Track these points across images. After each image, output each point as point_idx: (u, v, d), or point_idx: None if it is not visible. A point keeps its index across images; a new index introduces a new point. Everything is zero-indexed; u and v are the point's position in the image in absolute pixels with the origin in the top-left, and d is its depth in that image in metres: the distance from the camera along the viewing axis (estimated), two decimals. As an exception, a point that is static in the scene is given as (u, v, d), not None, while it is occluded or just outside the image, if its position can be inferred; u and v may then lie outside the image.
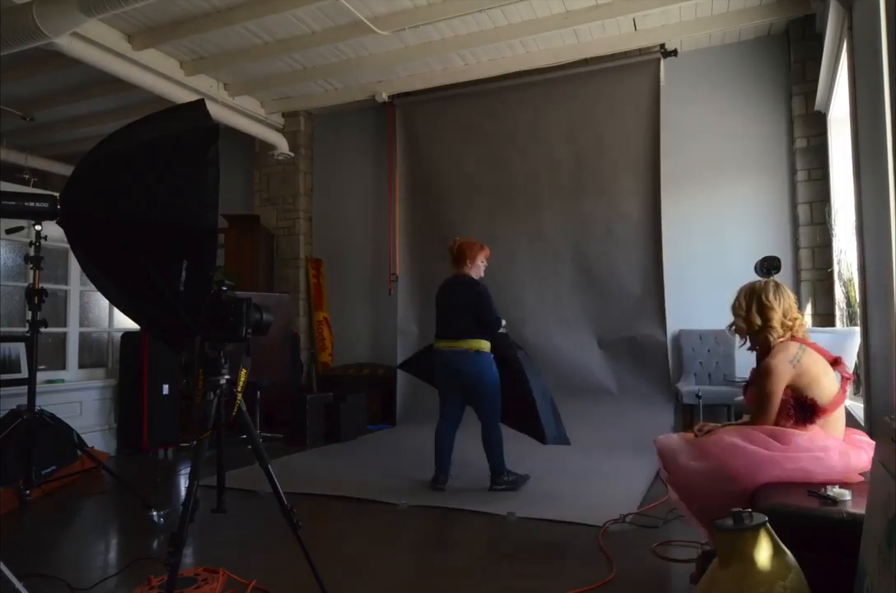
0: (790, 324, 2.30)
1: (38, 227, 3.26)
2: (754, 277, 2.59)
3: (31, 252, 3.33)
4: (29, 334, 3.37)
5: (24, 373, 4.41)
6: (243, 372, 2.09)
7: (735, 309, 2.38)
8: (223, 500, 2.21)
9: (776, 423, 2.23)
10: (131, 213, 2.53)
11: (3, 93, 5.53)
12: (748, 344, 2.40)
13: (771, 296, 2.30)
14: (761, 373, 2.22)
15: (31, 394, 3.35)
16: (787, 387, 2.22)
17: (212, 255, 2.68)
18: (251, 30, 5.10)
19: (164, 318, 2.68)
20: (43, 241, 3.32)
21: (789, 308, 2.31)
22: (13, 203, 3.08)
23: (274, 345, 5.99)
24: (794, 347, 2.23)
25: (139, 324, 3.01)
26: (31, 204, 3.08)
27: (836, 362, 2.28)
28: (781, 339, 2.27)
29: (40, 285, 3.37)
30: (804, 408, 2.19)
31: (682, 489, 2.27)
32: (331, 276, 7.04)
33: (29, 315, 3.36)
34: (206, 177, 2.47)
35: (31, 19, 3.92)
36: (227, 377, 2.07)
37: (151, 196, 2.57)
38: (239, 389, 2.08)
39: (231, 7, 4.75)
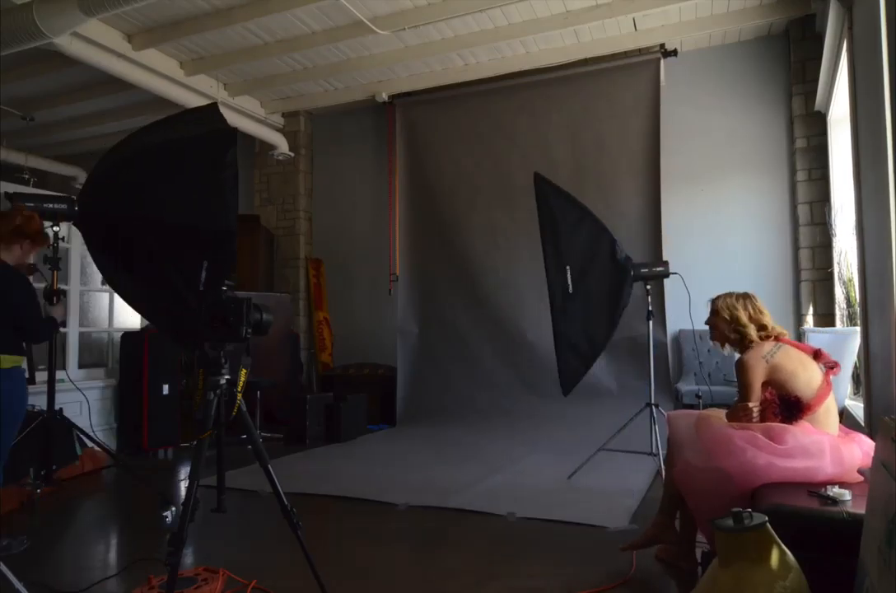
0: (763, 334, 2.45)
1: (56, 228, 3.29)
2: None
3: (50, 253, 3.34)
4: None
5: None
6: (243, 372, 2.09)
7: (712, 323, 2.62)
8: (223, 500, 2.21)
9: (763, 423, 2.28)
10: (149, 215, 2.56)
11: (3, 93, 5.53)
12: (729, 350, 2.61)
13: (741, 313, 2.50)
14: (736, 369, 2.40)
15: (51, 393, 3.44)
16: (768, 384, 2.32)
17: (232, 257, 2.70)
18: (251, 30, 5.10)
19: (183, 320, 2.70)
20: (60, 242, 3.35)
21: (758, 318, 2.49)
22: (32, 204, 3.15)
23: (274, 345, 6.00)
24: (768, 345, 2.39)
25: (157, 325, 3.07)
26: (50, 205, 3.15)
27: (817, 355, 2.40)
28: (758, 340, 2.44)
29: (58, 285, 3.38)
30: (789, 406, 2.27)
31: (683, 486, 2.28)
32: (331, 276, 7.04)
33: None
34: (224, 180, 2.51)
35: (31, 19, 3.92)
36: (227, 377, 2.07)
37: (169, 198, 2.60)
38: (239, 389, 2.08)
39: (231, 7, 4.75)
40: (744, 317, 2.48)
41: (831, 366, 2.36)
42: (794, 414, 2.25)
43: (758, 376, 2.33)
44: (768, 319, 2.49)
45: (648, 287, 3.78)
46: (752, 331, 2.45)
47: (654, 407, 3.75)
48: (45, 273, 3.16)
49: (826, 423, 2.27)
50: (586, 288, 3.65)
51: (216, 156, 2.51)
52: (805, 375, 2.31)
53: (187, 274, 2.46)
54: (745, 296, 2.57)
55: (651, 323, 3.80)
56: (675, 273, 3.78)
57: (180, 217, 2.56)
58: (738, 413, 2.36)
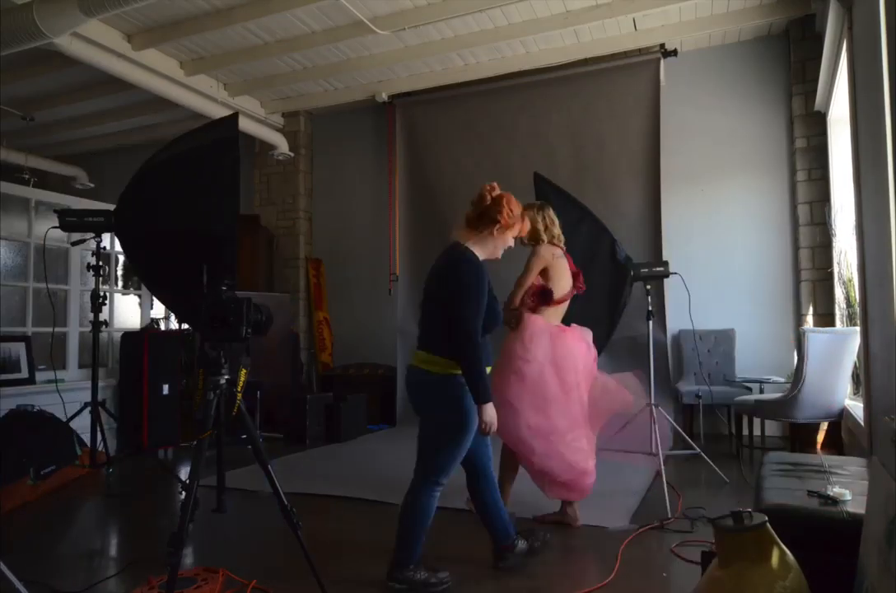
0: (555, 241, 3.12)
1: (97, 239, 3.73)
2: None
3: (93, 261, 3.81)
4: (91, 332, 3.95)
5: (25, 373, 4.43)
6: (243, 372, 2.10)
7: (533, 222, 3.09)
8: (223, 500, 2.21)
9: (522, 304, 3.03)
10: (165, 224, 2.72)
11: (3, 93, 5.53)
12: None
13: (539, 225, 3.09)
14: (529, 257, 3.08)
15: (95, 387, 3.91)
16: (541, 274, 3.05)
17: (232, 259, 2.76)
18: (251, 30, 5.10)
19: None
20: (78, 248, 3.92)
21: (551, 228, 3.13)
22: (74, 219, 3.56)
23: (274, 345, 6.00)
24: (557, 250, 3.09)
25: (190, 325, 3.30)
26: (90, 219, 3.56)
27: (576, 275, 3.11)
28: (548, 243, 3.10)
29: (102, 291, 3.90)
30: (544, 295, 3.01)
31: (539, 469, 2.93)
32: (331, 276, 7.03)
33: (92, 316, 3.92)
34: (223, 186, 2.59)
35: (31, 19, 3.92)
36: (226, 377, 2.08)
37: (177, 209, 2.74)
38: (239, 389, 2.08)
39: (231, 7, 4.75)
40: (541, 228, 3.08)
41: (579, 287, 3.11)
42: (544, 302, 3.01)
43: (540, 266, 3.03)
44: (558, 230, 3.13)
45: (648, 287, 3.77)
46: (545, 236, 3.08)
47: (654, 407, 3.75)
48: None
49: (553, 320, 3.03)
50: (587, 288, 3.66)
51: (215, 164, 2.59)
52: (563, 282, 3.04)
53: (195, 276, 2.54)
54: (542, 208, 3.15)
55: (651, 323, 3.79)
56: (675, 273, 3.77)
57: (186, 224, 2.67)
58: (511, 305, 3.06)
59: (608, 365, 5.60)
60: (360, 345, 6.79)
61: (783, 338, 5.21)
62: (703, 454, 3.83)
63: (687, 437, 4.01)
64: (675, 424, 3.67)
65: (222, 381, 2.06)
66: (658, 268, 3.75)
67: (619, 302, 3.69)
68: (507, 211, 2.36)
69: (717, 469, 3.80)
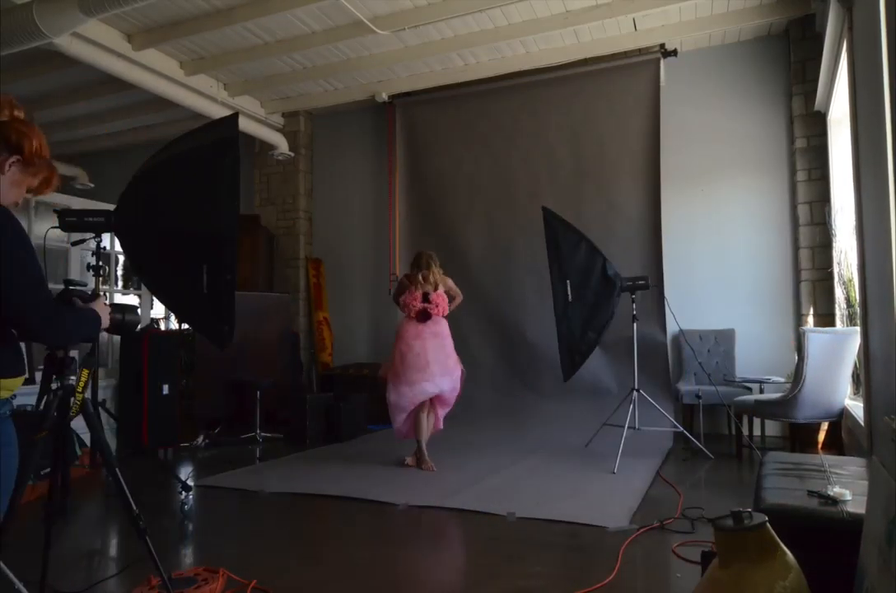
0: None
1: (97, 239, 3.70)
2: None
3: (93, 261, 3.81)
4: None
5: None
6: (84, 372, 2.09)
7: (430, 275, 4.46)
8: (64, 504, 2.20)
9: None
10: (165, 224, 2.72)
11: (2, 93, 5.53)
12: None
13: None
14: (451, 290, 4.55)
15: (95, 387, 3.97)
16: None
17: (232, 260, 2.76)
18: (251, 30, 5.10)
19: (207, 318, 2.87)
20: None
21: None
22: (74, 219, 3.54)
23: (274, 345, 6.00)
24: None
25: (190, 325, 3.29)
26: (90, 219, 3.52)
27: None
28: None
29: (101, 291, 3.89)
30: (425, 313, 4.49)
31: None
32: (331, 276, 7.04)
33: None
34: (223, 186, 2.59)
35: (31, 19, 3.92)
36: (73, 377, 2.08)
37: (177, 209, 2.74)
38: (79, 389, 2.08)
39: (231, 7, 4.75)
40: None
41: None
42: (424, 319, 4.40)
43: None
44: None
45: (633, 296, 4.46)
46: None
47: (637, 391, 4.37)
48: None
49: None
50: (584, 297, 4.39)
51: (215, 164, 2.60)
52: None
53: (198, 277, 2.55)
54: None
55: (636, 325, 4.46)
56: (655, 286, 4.52)
57: (186, 225, 2.69)
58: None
59: (608, 365, 5.63)
60: (360, 345, 6.79)
61: (783, 338, 5.21)
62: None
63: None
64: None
65: (69, 382, 2.06)
66: (640, 282, 4.46)
67: (609, 308, 4.39)
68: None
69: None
